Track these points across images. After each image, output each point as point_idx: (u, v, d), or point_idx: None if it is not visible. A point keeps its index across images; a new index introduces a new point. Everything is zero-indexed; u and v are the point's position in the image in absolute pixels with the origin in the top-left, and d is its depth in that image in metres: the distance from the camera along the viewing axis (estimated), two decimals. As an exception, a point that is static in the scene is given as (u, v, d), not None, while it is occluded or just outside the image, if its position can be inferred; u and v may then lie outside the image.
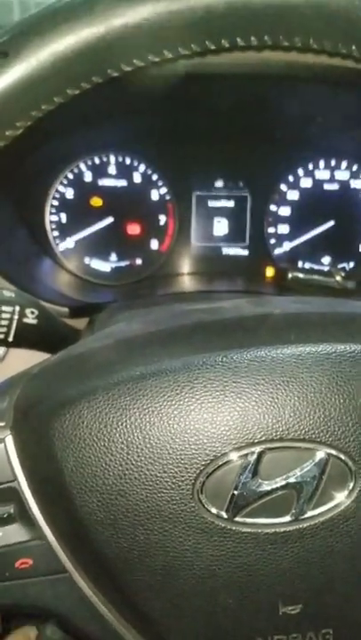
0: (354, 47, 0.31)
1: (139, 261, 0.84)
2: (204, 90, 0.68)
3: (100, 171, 0.81)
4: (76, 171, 0.81)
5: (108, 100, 0.67)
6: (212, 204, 0.83)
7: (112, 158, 0.81)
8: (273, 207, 0.83)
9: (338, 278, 0.77)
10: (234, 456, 0.32)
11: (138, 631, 0.35)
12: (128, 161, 0.81)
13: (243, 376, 0.33)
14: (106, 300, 0.79)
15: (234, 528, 0.32)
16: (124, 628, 0.35)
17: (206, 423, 0.32)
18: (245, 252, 0.84)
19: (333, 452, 0.32)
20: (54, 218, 0.82)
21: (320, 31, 0.31)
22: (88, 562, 0.34)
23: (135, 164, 0.81)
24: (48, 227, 0.81)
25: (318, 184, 0.82)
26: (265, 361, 0.33)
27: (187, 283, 0.83)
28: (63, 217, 0.82)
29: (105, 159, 0.81)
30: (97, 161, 0.81)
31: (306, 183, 0.82)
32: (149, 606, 0.34)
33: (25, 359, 0.53)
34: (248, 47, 0.32)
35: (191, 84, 0.63)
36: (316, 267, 0.84)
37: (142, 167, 0.81)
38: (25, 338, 0.49)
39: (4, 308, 0.47)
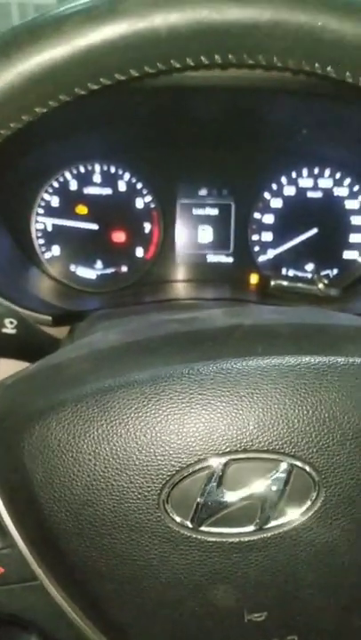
0: (317, 65, 0.32)
1: (124, 269, 0.84)
2: (188, 101, 0.69)
3: (85, 179, 0.82)
4: (61, 179, 0.81)
5: (92, 111, 0.68)
6: (196, 211, 0.84)
7: (97, 167, 0.81)
8: (257, 215, 0.84)
9: (320, 286, 0.78)
10: (199, 467, 0.33)
11: (108, 638, 0.36)
12: (113, 169, 0.82)
13: (208, 388, 0.33)
14: (91, 307, 0.80)
15: (199, 537, 0.33)
16: (95, 635, 0.36)
17: (172, 434, 0.33)
18: (230, 260, 0.85)
19: (297, 462, 0.33)
20: (40, 226, 0.82)
21: (283, 50, 0.32)
22: (58, 570, 0.35)
23: (120, 172, 0.82)
24: (34, 235, 0.82)
25: (302, 192, 0.83)
26: (230, 373, 0.34)
27: (172, 290, 0.84)
28: (49, 225, 0.82)
29: (90, 168, 0.81)
30: (82, 169, 0.81)
31: (289, 191, 0.83)
32: (118, 614, 0.34)
33: (7, 368, 0.54)
34: (213, 65, 0.33)
35: (175, 96, 0.64)
36: (300, 274, 0.85)
37: (127, 176, 0.82)
38: (4, 348, 0.50)
39: None
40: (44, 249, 0.83)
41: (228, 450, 0.33)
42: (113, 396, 0.33)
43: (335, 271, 0.85)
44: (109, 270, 0.84)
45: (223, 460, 0.33)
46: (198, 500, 0.33)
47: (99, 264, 0.84)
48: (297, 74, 0.34)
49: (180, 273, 0.85)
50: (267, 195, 0.83)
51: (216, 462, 0.33)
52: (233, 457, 0.33)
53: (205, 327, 0.41)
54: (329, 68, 0.32)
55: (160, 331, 0.40)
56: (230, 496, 0.33)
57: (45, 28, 0.30)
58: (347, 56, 0.31)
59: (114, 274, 0.84)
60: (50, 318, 0.70)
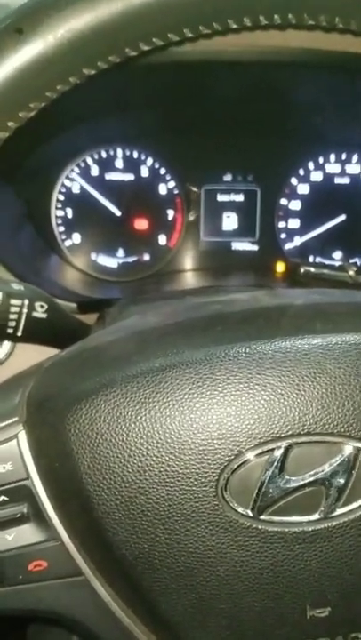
0: (353, 22, 0.30)
1: (146, 257, 0.82)
2: (213, 78, 0.66)
3: (106, 164, 0.80)
4: (82, 165, 0.79)
5: (113, 93, 0.66)
6: (221, 198, 0.81)
7: (119, 152, 0.79)
8: (283, 201, 0.81)
9: (351, 273, 0.75)
10: (259, 451, 0.30)
11: (157, 636, 0.33)
12: (135, 154, 0.79)
13: (267, 368, 0.31)
14: (113, 295, 0.78)
15: (260, 527, 0.31)
16: (143, 634, 0.33)
17: (230, 417, 0.30)
18: (255, 247, 0.83)
19: None
20: (60, 213, 0.80)
21: (348, 9, 0.29)
22: (105, 564, 0.33)
23: (143, 157, 0.80)
24: (54, 222, 0.80)
25: (329, 178, 0.81)
26: (290, 352, 0.31)
27: (195, 279, 0.82)
28: (69, 212, 0.80)
29: (112, 153, 0.79)
30: (104, 155, 0.79)
31: (316, 177, 0.81)
32: (170, 610, 0.32)
33: (32, 356, 0.52)
34: (244, 28, 0.31)
35: (200, 73, 0.62)
36: (327, 262, 0.83)
37: (150, 161, 0.80)
38: (34, 333, 0.48)
39: (12, 302, 0.46)
40: (64, 237, 0.81)
41: (289, 433, 0.30)
42: (165, 376, 0.31)
43: None
44: (131, 259, 0.82)
45: (285, 443, 0.30)
46: (259, 486, 0.30)
47: (120, 252, 0.82)
48: (329, 32, 0.32)
49: (204, 261, 0.83)
50: (293, 180, 0.81)
51: (277, 446, 0.30)
52: (295, 440, 0.30)
53: (253, 307, 0.38)
54: None
55: (202, 312, 0.38)
56: (293, 482, 0.30)
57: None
58: None
59: (136, 262, 0.82)
60: (75, 305, 0.68)
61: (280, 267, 0.81)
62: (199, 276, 0.82)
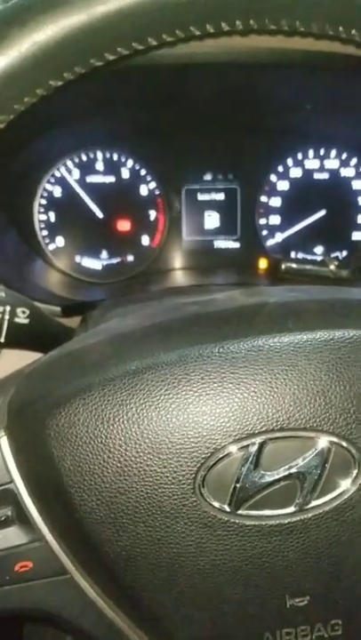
0: (341, 28, 0.31)
1: (130, 258, 0.83)
2: (191, 80, 0.67)
3: (87, 168, 0.80)
4: (63, 169, 0.80)
5: (92, 96, 0.66)
6: (201, 197, 0.82)
7: (99, 155, 0.80)
8: (263, 198, 0.82)
9: (332, 267, 0.76)
10: (234, 448, 0.31)
11: (144, 631, 0.34)
12: (115, 157, 0.80)
13: (240, 366, 0.32)
14: (98, 297, 0.78)
15: (237, 521, 0.31)
16: (130, 628, 0.34)
17: (205, 415, 0.31)
18: (237, 245, 0.84)
19: (336, 439, 0.32)
20: (43, 217, 0.81)
21: (307, 13, 0.30)
22: (90, 562, 0.34)
23: (123, 159, 0.80)
24: (37, 226, 0.80)
25: (308, 174, 0.82)
26: (262, 350, 0.32)
27: (179, 278, 0.82)
28: (52, 216, 0.81)
29: (92, 156, 0.80)
30: (84, 158, 0.80)
31: (296, 173, 0.82)
32: (154, 604, 0.33)
33: (17, 361, 0.52)
34: (234, 32, 0.31)
35: (177, 75, 0.63)
36: (309, 257, 0.84)
37: (130, 162, 0.80)
38: (17, 338, 0.49)
39: None
40: (47, 240, 0.81)
41: (263, 429, 0.31)
42: (141, 378, 0.32)
43: (344, 253, 0.83)
44: (115, 260, 0.83)
45: (259, 439, 0.31)
46: (235, 482, 0.31)
47: (104, 254, 0.83)
48: (319, 39, 0.33)
49: (187, 260, 0.84)
50: (273, 177, 0.82)
51: (252, 442, 0.31)
52: (269, 436, 0.31)
53: (228, 307, 0.39)
54: (353, 32, 0.31)
55: (180, 313, 0.39)
56: (268, 477, 0.31)
57: (34, 8, 0.29)
58: None
59: (120, 263, 0.83)
60: (59, 309, 0.68)
61: (263, 263, 0.82)
62: (183, 275, 0.83)
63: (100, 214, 0.81)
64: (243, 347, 0.32)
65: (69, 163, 0.80)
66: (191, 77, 0.66)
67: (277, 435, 0.31)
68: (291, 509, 0.32)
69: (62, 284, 0.80)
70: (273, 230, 0.83)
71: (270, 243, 0.83)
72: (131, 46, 0.31)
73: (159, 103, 0.73)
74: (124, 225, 0.82)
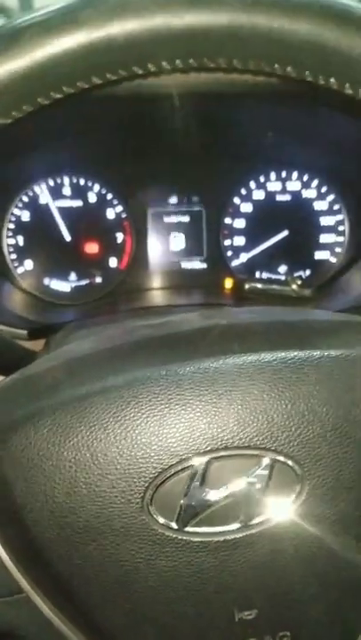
0: (277, 65, 0.33)
1: (98, 280, 0.84)
2: (153, 110, 0.69)
3: (55, 192, 0.82)
4: (30, 193, 0.81)
5: (58, 124, 0.68)
6: (167, 219, 0.84)
7: (66, 180, 0.81)
8: (228, 220, 0.84)
9: (294, 287, 0.79)
10: (181, 467, 0.32)
11: None
12: (82, 181, 0.82)
13: (186, 388, 0.33)
14: (67, 319, 0.80)
15: (184, 538, 0.33)
16: None
17: (152, 436, 0.33)
18: (204, 266, 0.85)
19: (279, 457, 0.33)
20: (11, 241, 0.82)
21: (242, 52, 0.32)
22: (44, 580, 0.34)
23: (90, 184, 0.82)
24: (5, 250, 0.82)
25: (271, 195, 0.84)
26: (208, 372, 0.34)
27: (147, 298, 0.84)
28: (20, 240, 0.82)
29: (59, 181, 0.82)
30: (51, 183, 0.81)
31: (259, 195, 0.84)
32: (108, 621, 0.34)
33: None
34: (175, 70, 0.33)
35: (139, 106, 0.65)
36: (273, 276, 0.86)
37: (97, 187, 0.82)
38: None
39: None
40: (16, 264, 0.82)
41: (209, 448, 0.33)
42: (90, 402, 0.33)
43: (308, 272, 0.86)
44: (84, 282, 0.84)
45: (205, 458, 0.33)
46: (182, 500, 0.32)
47: (73, 276, 0.84)
48: (257, 75, 0.35)
49: (155, 281, 0.85)
50: (236, 200, 0.84)
51: (198, 461, 0.33)
52: (214, 455, 0.33)
53: (180, 330, 0.41)
54: (289, 69, 0.33)
55: (134, 336, 0.40)
56: (214, 495, 0.33)
57: (3, 40, 0.30)
58: (305, 56, 0.32)
59: (88, 285, 0.84)
60: (25, 332, 0.69)
61: (228, 283, 0.84)
62: (151, 296, 0.85)
63: (68, 237, 0.82)
64: (188, 369, 0.34)
65: (37, 188, 0.81)
66: (155, 106, 0.68)
67: (222, 453, 0.33)
68: (236, 525, 0.33)
69: (31, 306, 0.81)
70: (238, 251, 0.85)
71: (235, 263, 0.85)
72: (76, 85, 0.32)
73: (123, 131, 0.75)
74: (91, 247, 0.84)
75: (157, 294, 0.84)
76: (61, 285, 0.84)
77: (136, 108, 0.67)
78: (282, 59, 0.32)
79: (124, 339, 0.40)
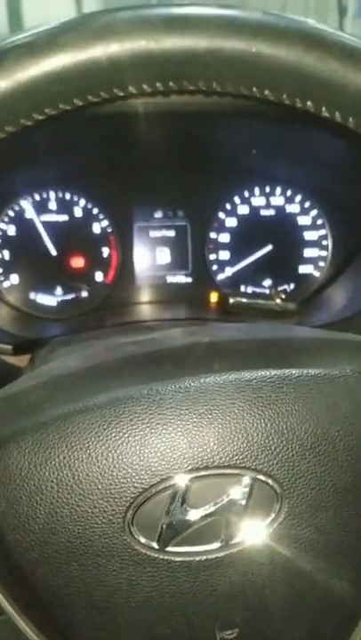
0: (255, 89, 0.34)
1: (84, 294, 0.84)
2: (138, 128, 0.70)
3: (40, 207, 0.82)
4: (16, 208, 0.81)
5: (44, 140, 0.68)
6: (153, 234, 0.85)
7: (52, 194, 0.82)
8: (213, 234, 0.85)
9: (278, 301, 0.79)
10: (162, 487, 0.33)
11: None
12: (68, 196, 0.82)
13: (167, 407, 0.34)
14: (52, 334, 0.80)
15: (166, 558, 0.33)
16: None
17: (134, 456, 0.33)
18: (189, 280, 0.86)
19: (258, 476, 0.33)
20: None
21: (221, 76, 0.33)
22: (26, 602, 0.34)
23: (75, 198, 0.82)
24: None
25: (255, 210, 0.85)
26: (189, 391, 0.34)
27: (133, 312, 0.84)
28: (6, 254, 0.82)
29: (45, 195, 0.82)
30: (37, 197, 0.82)
31: (243, 210, 0.85)
32: None
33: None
34: (156, 92, 0.34)
35: (124, 123, 0.65)
36: (258, 290, 0.86)
37: (82, 202, 0.82)
38: None
39: None
40: (2, 278, 0.82)
41: (189, 468, 0.33)
42: (72, 421, 0.33)
43: (292, 286, 0.87)
44: (70, 296, 0.84)
45: (186, 478, 0.33)
46: (163, 520, 0.33)
47: (59, 290, 0.84)
48: (237, 98, 0.36)
49: (141, 295, 0.86)
50: (221, 214, 0.85)
51: (179, 481, 0.33)
52: (195, 474, 0.33)
53: (163, 347, 0.41)
54: (266, 92, 0.33)
55: (117, 354, 0.41)
56: (194, 514, 0.33)
57: None
58: (282, 79, 0.33)
59: (74, 299, 0.84)
60: (10, 347, 0.69)
61: (213, 297, 0.85)
62: (137, 310, 0.85)
63: (54, 251, 0.83)
64: (169, 388, 0.34)
65: (23, 202, 0.81)
66: (138, 125, 0.68)
67: (203, 473, 0.33)
68: (217, 545, 0.33)
69: (16, 320, 0.81)
70: (223, 265, 0.86)
71: (221, 277, 0.86)
72: (58, 107, 0.33)
73: (109, 147, 0.75)
74: (77, 262, 0.84)
75: (143, 308, 0.85)
76: (47, 300, 0.84)
77: (120, 126, 0.68)
78: (260, 82, 0.33)
79: (108, 356, 0.40)
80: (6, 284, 0.83)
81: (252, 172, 0.84)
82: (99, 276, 0.85)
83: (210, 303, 0.85)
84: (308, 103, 0.34)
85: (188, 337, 0.43)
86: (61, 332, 0.79)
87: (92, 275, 0.84)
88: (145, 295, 0.86)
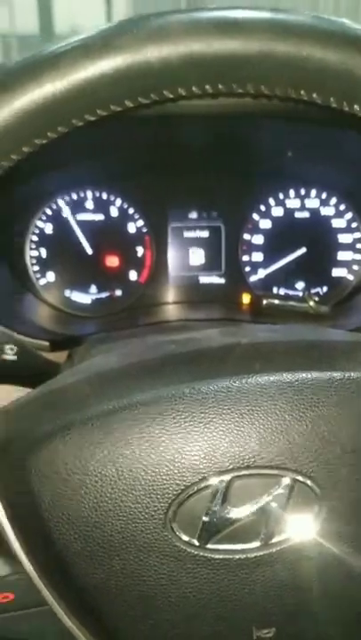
0: (303, 92, 0.34)
1: (118, 293, 0.85)
2: (177, 129, 0.71)
3: (77, 206, 0.83)
4: (54, 207, 0.83)
5: (84, 140, 0.70)
6: (187, 234, 0.85)
7: (89, 194, 0.83)
8: (246, 236, 0.85)
9: (311, 303, 0.79)
10: (204, 485, 0.33)
11: None
12: (105, 196, 0.83)
13: (210, 407, 0.34)
14: (87, 332, 0.81)
15: (206, 555, 0.33)
16: None
17: (176, 454, 0.33)
18: (222, 281, 0.86)
19: (299, 477, 0.34)
20: (34, 253, 0.83)
21: (270, 79, 0.33)
22: (68, 594, 0.35)
23: (112, 198, 0.83)
24: (28, 262, 0.83)
25: (289, 212, 0.85)
26: (231, 391, 0.35)
27: (166, 312, 0.85)
28: (43, 252, 0.83)
29: (82, 195, 0.83)
30: (74, 197, 0.83)
31: (277, 212, 0.85)
32: (129, 636, 0.35)
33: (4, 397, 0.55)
34: (204, 95, 0.35)
35: (164, 125, 0.66)
36: (290, 292, 0.86)
37: (119, 201, 0.83)
38: (5, 374, 0.51)
39: None
40: (38, 275, 0.84)
41: (231, 467, 0.33)
42: (117, 417, 0.34)
43: (325, 289, 0.86)
44: (104, 295, 0.85)
45: (227, 477, 0.33)
46: (204, 517, 0.33)
47: (93, 289, 0.85)
48: (285, 101, 0.36)
49: (174, 295, 0.86)
50: (255, 216, 0.85)
51: (220, 480, 0.33)
52: (236, 474, 0.33)
53: (202, 347, 0.42)
54: (314, 95, 0.34)
55: (158, 352, 0.41)
56: (235, 513, 0.33)
57: (43, 63, 0.32)
58: (330, 83, 0.33)
59: (108, 298, 0.85)
60: (47, 344, 0.70)
61: (246, 299, 0.85)
62: (170, 310, 0.86)
63: (89, 250, 0.84)
64: (212, 387, 0.35)
65: (60, 201, 0.83)
66: (178, 126, 0.69)
67: (244, 472, 0.34)
68: (256, 544, 0.34)
69: (52, 318, 0.83)
70: (256, 267, 0.86)
71: (253, 278, 0.86)
72: (109, 108, 0.34)
73: (147, 148, 0.76)
74: (112, 261, 0.85)
75: (176, 308, 0.85)
76: (82, 297, 0.85)
77: (160, 127, 0.68)
78: (308, 86, 0.33)
79: (149, 354, 0.41)
80: (42, 282, 0.84)
81: (288, 174, 0.84)
82: (133, 276, 0.86)
83: (242, 304, 0.86)
84: (356, 107, 0.34)
85: (228, 337, 0.43)
86: (95, 330, 0.80)
87: (127, 274, 0.85)
88: (177, 295, 0.86)
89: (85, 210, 0.83)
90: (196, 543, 0.33)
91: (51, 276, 0.84)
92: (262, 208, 0.85)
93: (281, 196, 0.85)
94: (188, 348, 0.42)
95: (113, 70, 0.32)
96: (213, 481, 0.33)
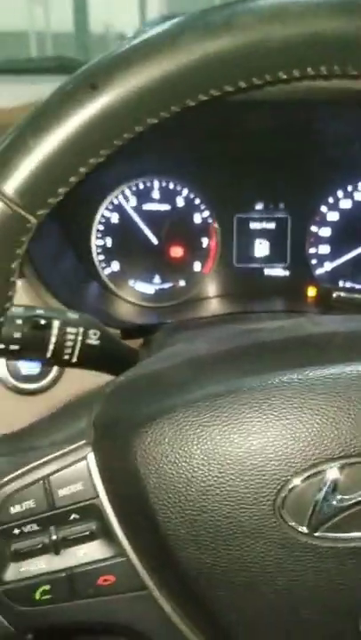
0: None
1: (182, 283, 0.85)
2: (248, 116, 0.70)
3: (143, 195, 0.83)
4: (120, 196, 0.83)
5: (153, 128, 0.69)
6: (253, 225, 0.84)
7: (155, 183, 0.83)
8: (313, 228, 0.84)
9: (380, 297, 0.77)
10: (313, 471, 0.33)
11: None
12: (171, 186, 0.83)
13: (319, 393, 0.33)
14: (150, 321, 0.81)
15: (314, 543, 0.33)
16: None
17: (286, 439, 0.33)
18: (287, 273, 0.85)
19: None
20: (100, 242, 0.84)
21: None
22: (169, 579, 0.35)
23: (178, 188, 0.83)
24: (94, 251, 0.84)
25: (358, 205, 0.83)
26: (340, 378, 0.34)
27: (229, 304, 0.84)
28: (109, 241, 0.84)
29: (148, 184, 0.83)
30: (141, 186, 0.83)
31: (346, 204, 0.83)
32: (231, 623, 0.34)
33: (77, 382, 0.55)
34: (318, 76, 0.34)
35: (233, 112, 0.65)
36: (357, 286, 0.85)
37: (185, 191, 0.83)
38: (87, 358, 0.51)
39: (69, 330, 0.49)
40: (104, 265, 0.84)
41: (341, 454, 0.33)
42: (223, 401, 0.34)
43: None
44: (167, 285, 0.85)
45: (337, 464, 0.33)
46: (313, 505, 0.32)
47: (157, 279, 0.85)
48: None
49: (237, 286, 0.86)
50: (323, 208, 0.84)
51: (330, 467, 0.33)
52: (347, 461, 0.33)
53: (297, 335, 0.41)
54: None
55: (250, 340, 0.41)
56: (345, 501, 0.33)
57: (161, 42, 0.31)
58: None
59: (172, 288, 0.85)
60: (118, 332, 0.71)
61: (311, 292, 0.84)
62: (233, 301, 0.85)
63: (154, 240, 0.84)
64: (321, 374, 0.34)
65: (127, 190, 0.83)
66: (249, 113, 0.68)
67: (354, 460, 0.33)
68: None
69: (118, 306, 0.83)
70: (322, 259, 0.85)
71: (319, 271, 0.85)
72: (222, 88, 0.33)
73: (216, 136, 0.76)
74: (177, 251, 0.85)
75: (239, 300, 0.84)
76: (146, 287, 0.85)
77: (229, 115, 0.68)
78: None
79: (241, 341, 0.41)
80: (107, 271, 0.84)
81: (357, 166, 0.83)
82: (197, 266, 0.85)
83: (307, 297, 0.84)
84: None
85: (320, 327, 0.43)
86: (158, 321, 0.80)
87: (191, 264, 0.85)
88: (241, 287, 0.86)
89: (151, 199, 0.83)
90: (305, 531, 0.33)
91: (115, 266, 0.85)
92: (330, 200, 0.83)
93: (350, 188, 0.83)
94: (281, 335, 0.41)
95: (234, 48, 0.31)
96: (324, 468, 0.33)
